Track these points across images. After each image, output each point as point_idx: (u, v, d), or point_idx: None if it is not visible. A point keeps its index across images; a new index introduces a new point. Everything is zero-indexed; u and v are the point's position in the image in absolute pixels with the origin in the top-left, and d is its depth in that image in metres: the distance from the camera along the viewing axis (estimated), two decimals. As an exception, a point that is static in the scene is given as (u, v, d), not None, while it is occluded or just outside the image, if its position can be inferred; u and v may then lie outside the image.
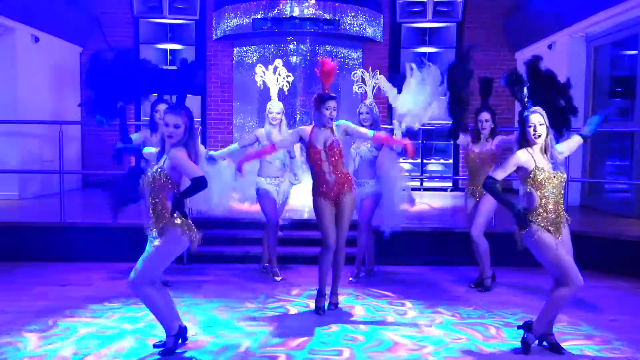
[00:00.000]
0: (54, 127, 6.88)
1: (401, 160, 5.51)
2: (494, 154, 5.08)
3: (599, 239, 5.95)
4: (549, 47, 8.70)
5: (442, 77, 5.15)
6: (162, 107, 4.94)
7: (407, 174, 5.57)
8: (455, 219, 7.15)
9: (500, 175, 3.63)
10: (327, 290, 4.58)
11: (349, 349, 3.72)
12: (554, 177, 3.52)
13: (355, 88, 5.63)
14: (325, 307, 4.52)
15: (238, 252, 6.10)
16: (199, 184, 3.33)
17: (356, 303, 4.74)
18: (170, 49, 10.53)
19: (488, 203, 5.00)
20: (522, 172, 3.57)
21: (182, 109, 3.46)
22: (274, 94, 5.44)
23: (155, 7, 10.27)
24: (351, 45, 9.71)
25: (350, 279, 5.38)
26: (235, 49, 9.90)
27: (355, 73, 5.67)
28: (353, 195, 4.54)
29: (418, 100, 5.18)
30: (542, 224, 3.50)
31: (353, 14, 9.29)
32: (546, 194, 3.51)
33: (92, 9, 10.09)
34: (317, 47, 9.27)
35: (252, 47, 9.54)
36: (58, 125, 6.43)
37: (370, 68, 5.65)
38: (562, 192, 3.60)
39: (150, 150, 3.74)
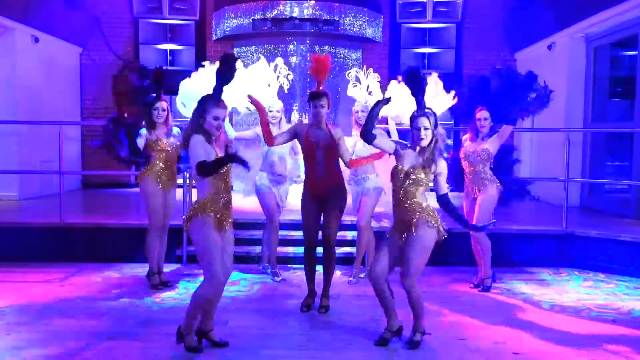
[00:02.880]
0: (54, 127, 6.87)
1: None
2: (489, 152, 5.00)
3: (599, 239, 5.94)
4: (549, 47, 8.70)
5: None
6: (161, 105, 4.92)
7: None
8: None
9: None
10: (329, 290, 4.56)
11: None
12: None
13: (350, 87, 5.51)
14: (309, 307, 4.50)
15: (238, 252, 6.07)
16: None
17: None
18: (170, 50, 10.53)
19: (486, 200, 4.97)
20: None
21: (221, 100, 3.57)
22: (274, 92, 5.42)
23: (155, 7, 10.27)
24: (351, 45, 9.69)
25: (350, 278, 5.36)
26: (235, 49, 9.88)
27: (350, 72, 5.53)
28: (343, 194, 4.45)
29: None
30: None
31: (353, 14, 9.28)
32: None
33: (92, 9, 10.09)
34: (317, 48, 9.25)
35: (252, 47, 9.52)
36: (58, 126, 6.43)
37: (364, 67, 5.54)
38: None
39: None
